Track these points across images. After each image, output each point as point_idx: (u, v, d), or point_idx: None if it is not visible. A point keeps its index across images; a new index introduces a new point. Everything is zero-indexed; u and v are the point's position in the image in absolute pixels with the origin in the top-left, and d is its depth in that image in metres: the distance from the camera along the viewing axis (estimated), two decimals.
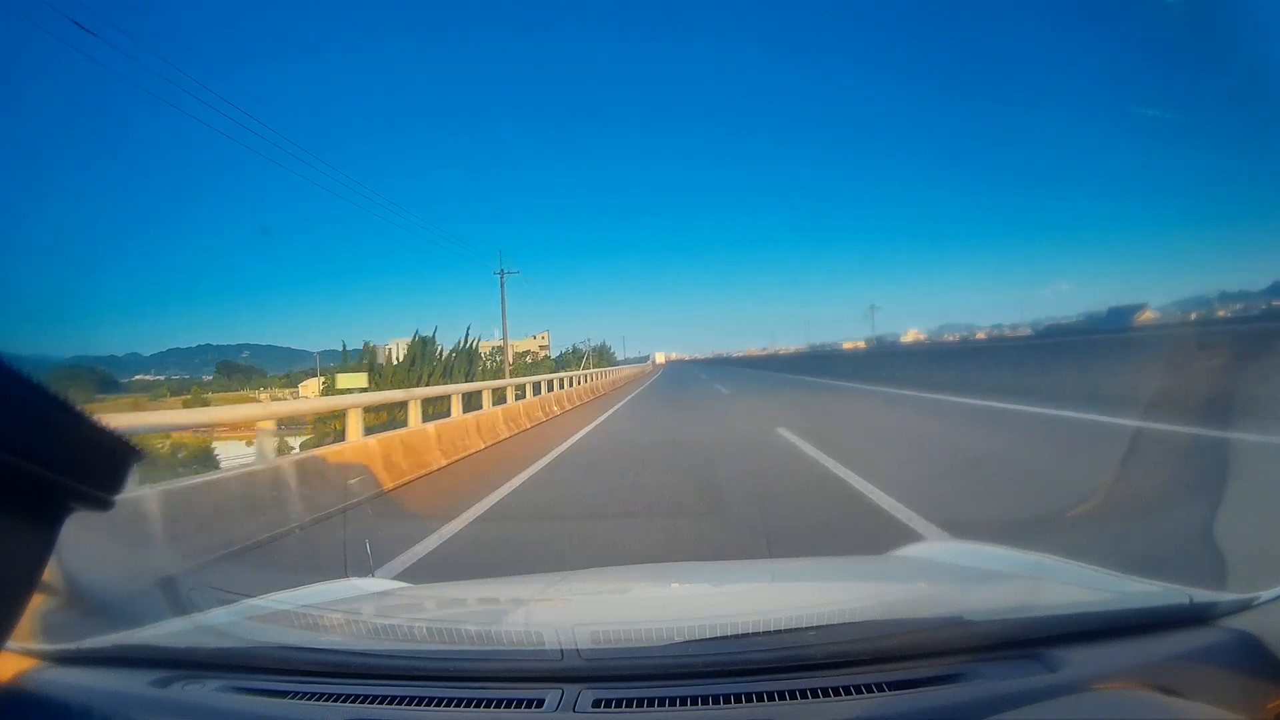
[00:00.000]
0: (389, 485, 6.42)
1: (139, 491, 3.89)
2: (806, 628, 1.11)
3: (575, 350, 58.52)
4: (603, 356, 58.70)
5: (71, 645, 1.23)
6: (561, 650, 1.07)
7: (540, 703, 1.00)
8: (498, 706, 1.01)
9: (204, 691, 1.13)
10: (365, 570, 2.09)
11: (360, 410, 7.20)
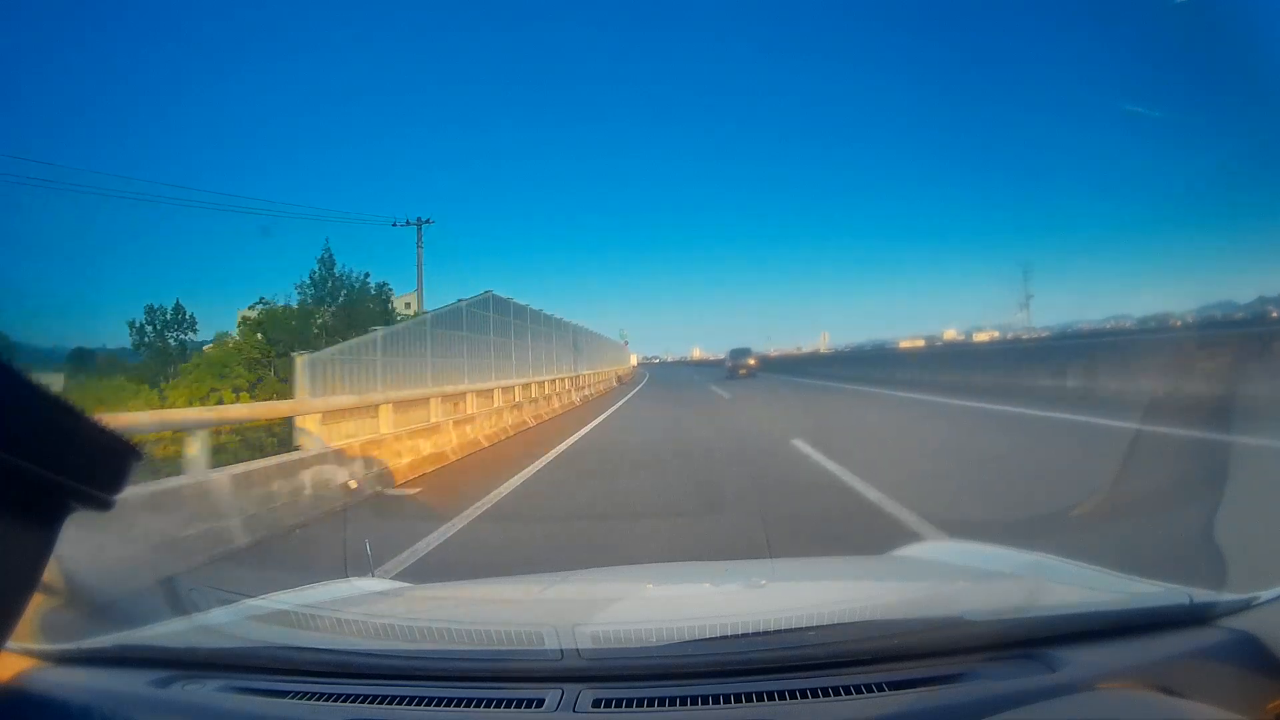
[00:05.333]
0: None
1: (140, 490, 3.89)
2: (806, 628, 1.11)
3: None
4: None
5: (71, 645, 1.23)
6: (561, 650, 1.07)
7: (540, 703, 1.00)
8: (498, 706, 1.01)
9: (204, 691, 1.12)
10: (365, 570, 2.08)
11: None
